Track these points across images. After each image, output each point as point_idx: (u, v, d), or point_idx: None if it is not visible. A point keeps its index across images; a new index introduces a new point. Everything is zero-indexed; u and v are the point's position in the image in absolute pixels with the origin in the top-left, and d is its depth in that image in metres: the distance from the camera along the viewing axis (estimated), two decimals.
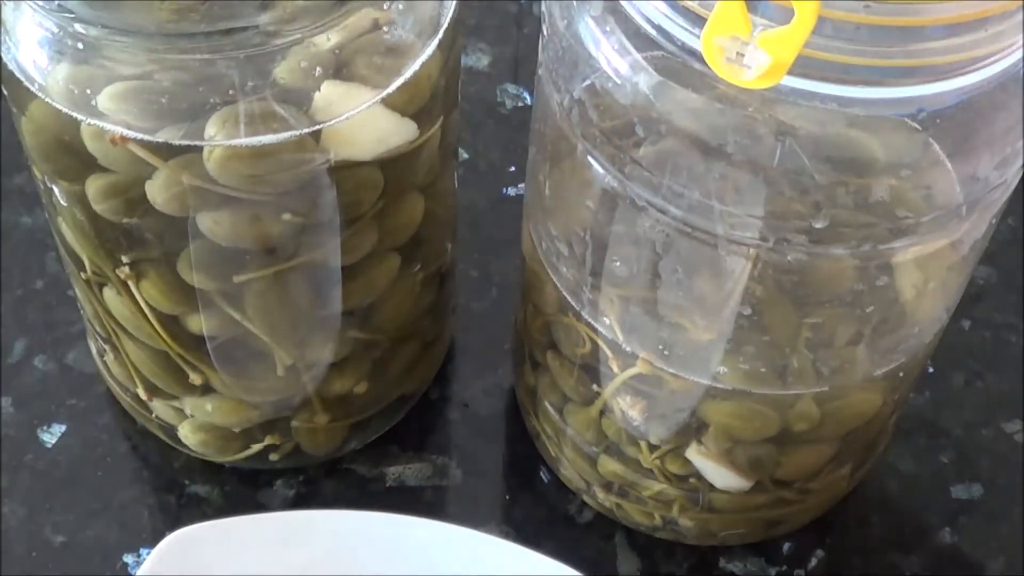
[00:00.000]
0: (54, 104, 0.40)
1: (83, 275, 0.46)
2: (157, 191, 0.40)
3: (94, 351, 0.54)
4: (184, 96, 0.39)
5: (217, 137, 0.39)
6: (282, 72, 0.39)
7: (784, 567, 0.53)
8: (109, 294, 0.46)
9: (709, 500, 0.49)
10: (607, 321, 0.44)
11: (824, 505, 0.52)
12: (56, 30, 0.39)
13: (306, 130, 0.40)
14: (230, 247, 0.42)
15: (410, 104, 0.42)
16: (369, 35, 0.41)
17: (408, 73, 0.41)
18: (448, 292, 0.54)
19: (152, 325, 0.46)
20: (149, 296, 0.44)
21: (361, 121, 0.41)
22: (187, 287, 0.44)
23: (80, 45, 0.39)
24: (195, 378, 0.47)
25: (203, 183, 0.40)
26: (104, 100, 0.39)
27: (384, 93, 0.41)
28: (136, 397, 0.51)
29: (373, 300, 0.48)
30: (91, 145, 0.40)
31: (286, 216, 0.42)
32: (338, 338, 0.48)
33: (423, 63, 0.42)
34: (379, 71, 0.41)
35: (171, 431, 0.52)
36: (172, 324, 0.46)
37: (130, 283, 0.44)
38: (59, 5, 0.38)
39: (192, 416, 0.51)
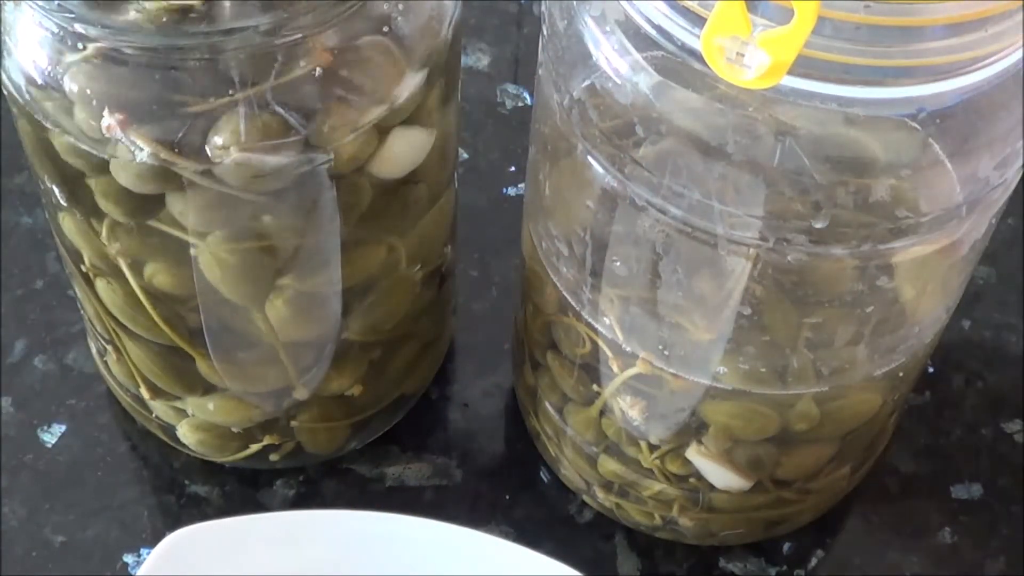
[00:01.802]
0: (54, 104, 0.40)
1: (82, 267, 0.46)
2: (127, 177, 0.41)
3: (94, 351, 0.54)
4: (184, 96, 0.39)
5: (229, 146, 0.39)
6: (282, 72, 0.39)
7: (784, 567, 0.53)
8: (102, 285, 0.46)
9: (709, 500, 0.49)
10: (607, 321, 0.44)
11: (824, 505, 0.52)
12: (56, 30, 0.39)
13: (318, 159, 0.40)
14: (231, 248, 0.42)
15: (410, 104, 0.42)
16: (369, 35, 0.41)
17: (409, 74, 0.41)
18: (448, 292, 0.54)
19: (150, 317, 0.46)
20: (150, 284, 0.44)
21: (397, 141, 0.42)
22: (186, 276, 0.44)
23: (80, 45, 0.39)
24: (202, 365, 0.47)
25: (203, 182, 0.40)
26: (103, 100, 0.39)
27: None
28: (136, 397, 0.51)
29: (372, 299, 0.48)
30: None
31: (285, 215, 0.42)
32: (336, 337, 0.48)
33: (424, 63, 0.42)
34: (380, 72, 0.41)
35: (171, 431, 0.52)
36: (170, 315, 0.46)
37: (129, 274, 0.44)
38: (59, 5, 0.38)
39: (192, 415, 0.51)
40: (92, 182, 0.42)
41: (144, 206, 0.42)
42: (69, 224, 0.44)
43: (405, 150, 0.44)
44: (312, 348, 0.48)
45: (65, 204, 0.43)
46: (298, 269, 0.44)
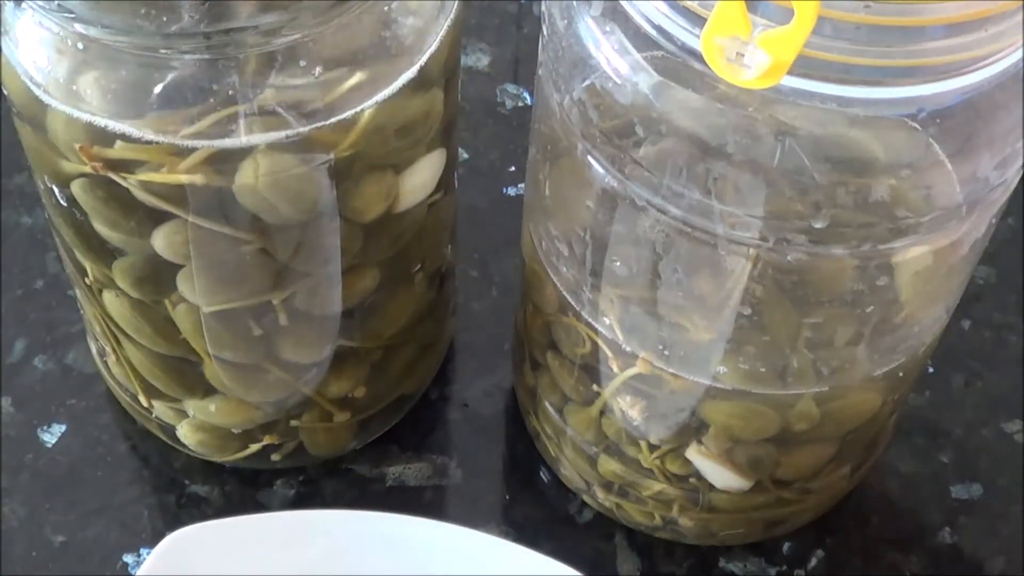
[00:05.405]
0: (54, 105, 0.40)
1: (86, 280, 0.46)
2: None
3: (94, 351, 0.54)
4: (184, 97, 0.39)
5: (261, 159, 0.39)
6: (282, 72, 0.39)
7: (784, 567, 0.53)
8: (109, 297, 0.46)
9: (709, 500, 0.49)
10: (607, 321, 0.44)
11: (824, 505, 0.52)
12: (56, 30, 0.39)
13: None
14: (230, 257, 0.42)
15: (411, 104, 0.42)
16: (369, 35, 0.41)
17: (409, 74, 0.41)
18: (448, 293, 0.54)
19: (155, 327, 0.46)
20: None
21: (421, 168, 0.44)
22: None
23: (80, 45, 0.39)
24: (207, 370, 0.47)
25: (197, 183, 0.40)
26: (103, 101, 0.39)
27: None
28: (136, 397, 0.51)
29: (372, 301, 0.48)
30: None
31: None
32: (337, 340, 0.48)
33: (424, 63, 0.42)
34: (379, 72, 0.41)
35: (171, 431, 0.52)
36: (171, 327, 0.46)
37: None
38: (59, 5, 0.38)
39: (193, 416, 0.51)
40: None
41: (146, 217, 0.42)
42: (69, 230, 0.45)
43: (426, 179, 0.44)
44: (312, 359, 0.48)
45: (65, 204, 0.43)
46: (298, 285, 0.44)
